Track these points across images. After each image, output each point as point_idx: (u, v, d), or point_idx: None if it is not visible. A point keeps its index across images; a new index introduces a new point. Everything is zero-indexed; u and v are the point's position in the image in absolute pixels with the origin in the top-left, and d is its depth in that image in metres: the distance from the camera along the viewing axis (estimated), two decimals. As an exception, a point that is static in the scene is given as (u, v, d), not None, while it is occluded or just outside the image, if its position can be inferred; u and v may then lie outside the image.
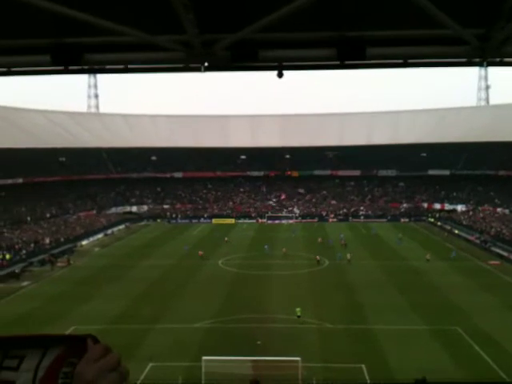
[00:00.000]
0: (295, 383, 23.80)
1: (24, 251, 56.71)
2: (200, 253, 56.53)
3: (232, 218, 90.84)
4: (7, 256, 53.78)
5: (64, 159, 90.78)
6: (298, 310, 34.27)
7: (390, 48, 7.26)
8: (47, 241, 63.06)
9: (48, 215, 77.64)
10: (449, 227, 76.64)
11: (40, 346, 1.48)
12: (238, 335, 31.37)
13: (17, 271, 49.83)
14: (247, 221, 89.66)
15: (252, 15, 6.55)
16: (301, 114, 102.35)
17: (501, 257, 55.72)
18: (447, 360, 27.29)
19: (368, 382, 24.03)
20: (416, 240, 68.39)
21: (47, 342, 1.50)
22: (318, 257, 53.55)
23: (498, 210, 79.58)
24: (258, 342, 29.70)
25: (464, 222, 76.33)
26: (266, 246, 60.90)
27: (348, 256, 53.20)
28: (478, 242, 64.67)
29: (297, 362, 24.68)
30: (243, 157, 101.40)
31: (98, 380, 1.29)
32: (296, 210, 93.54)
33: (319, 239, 66.10)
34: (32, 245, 59.83)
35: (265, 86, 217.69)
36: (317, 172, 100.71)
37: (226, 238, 67.88)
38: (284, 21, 6.58)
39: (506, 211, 76.93)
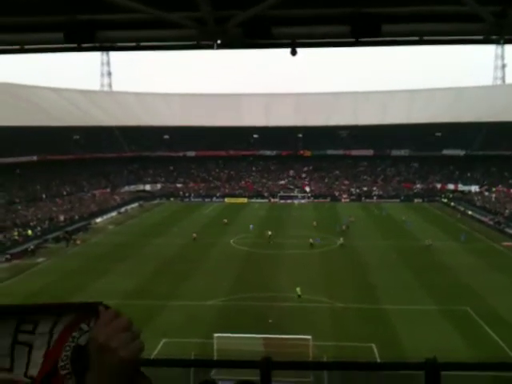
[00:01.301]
0: (306, 361, 24.04)
1: (39, 228, 57.49)
2: (194, 235, 55.09)
3: (244, 197, 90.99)
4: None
5: (78, 137, 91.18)
6: (297, 289, 34.40)
7: (405, 25, 7.14)
8: (62, 218, 63.83)
9: (64, 193, 78.35)
10: (462, 208, 76.06)
11: (53, 313, 1.60)
12: (250, 313, 31.71)
13: (32, 247, 50.59)
14: (259, 200, 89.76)
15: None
16: (314, 92, 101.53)
17: (514, 238, 55.35)
18: (457, 340, 27.41)
19: (378, 360, 24.20)
20: (428, 221, 68.09)
21: (60, 309, 1.60)
22: (311, 240, 51.98)
23: (513, 191, 78.76)
24: (270, 320, 30.03)
25: (478, 203, 75.72)
26: (251, 226, 60.95)
27: (341, 240, 52.18)
28: (491, 223, 64.21)
29: (308, 340, 24.95)
30: (256, 136, 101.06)
31: (111, 341, 1.36)
32: (308, 190, 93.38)
33: (314, 223, 63.03)
34: (47, 222, 60.60)
35: (278, 65, 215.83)
36: (329, 152, 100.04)
37: (224, 220, 65.76)
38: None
39: (521, 192, 76.13)
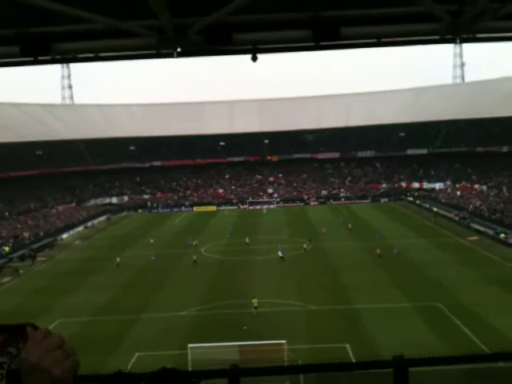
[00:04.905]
0: (274, 366, 23.97)
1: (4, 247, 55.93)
2: (117, 260, 48.73)
3: (213, 205, 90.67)
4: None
5: (41, 152, 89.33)
6: (254, 301, 33.11)
7: (363, 27, 7.21)
8: (27, 235, 62.27)
9: (28, 209, 76.45)
10: (428, 205, 77.60)
11: None
12: (224, 321, 31.51)
13: (-3, 268, 49.11)
14: (229, 207, 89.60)
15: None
16: (278, 98, 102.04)
17: (479, 232, 56.69)
18: (430, 335, 27.82)
19: (352, 360, 24.33)
20: (395, 220, 69.18)
21: None
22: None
23: (476, 186, 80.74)
24: (245, 327, 29.92)
25: (443, 200, 77.36)
26: (190, 238, 58.07)
27: (279, 254, 48.65)
28: (456, 218, 65.64)
29: (282, 344, 24.96)
30: (222, 143, 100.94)
31: (43, 360, 1.33)
32: (277, 195, 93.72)
33: (246, 239, 56.99)
34: (11, 240, 59.02)
35: (240, 71, 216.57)
36: (296, 156, 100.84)
37: (151, 240, 59.62)
38: (259, 2, 6.48)
39: (484, 187, 78.11)
